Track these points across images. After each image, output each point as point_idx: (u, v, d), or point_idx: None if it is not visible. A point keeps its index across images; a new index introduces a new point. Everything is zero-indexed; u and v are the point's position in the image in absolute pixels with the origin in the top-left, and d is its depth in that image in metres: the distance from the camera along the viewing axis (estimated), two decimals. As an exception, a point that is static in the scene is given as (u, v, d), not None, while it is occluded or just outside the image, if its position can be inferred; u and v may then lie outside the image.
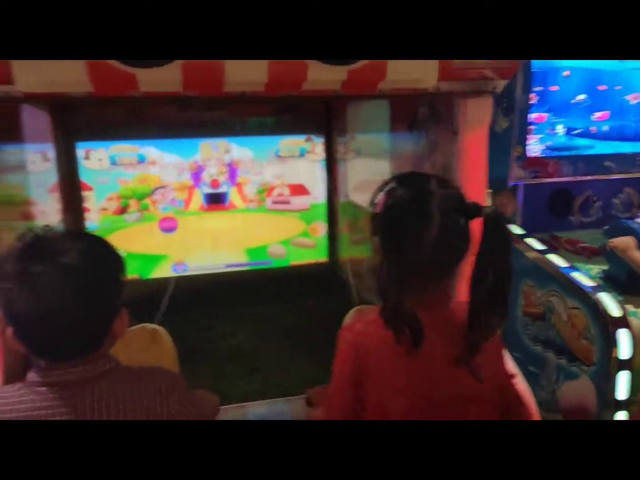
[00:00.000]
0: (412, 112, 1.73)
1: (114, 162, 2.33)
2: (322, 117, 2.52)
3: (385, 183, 1.01)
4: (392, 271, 0.94)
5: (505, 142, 2.07)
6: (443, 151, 1.56)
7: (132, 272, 2.44)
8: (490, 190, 1.67)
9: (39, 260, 0.80)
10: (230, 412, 1.62)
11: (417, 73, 1.14)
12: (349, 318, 1.89)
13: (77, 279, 0.81)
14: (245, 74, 1.04)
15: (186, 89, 1.11)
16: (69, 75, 0.97)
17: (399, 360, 0.95)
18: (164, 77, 1.04)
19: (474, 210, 0.95)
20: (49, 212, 2.14)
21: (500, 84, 1.29)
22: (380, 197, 0.98)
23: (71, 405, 0.82)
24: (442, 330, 0.97)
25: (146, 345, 1.41)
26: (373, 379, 0.98)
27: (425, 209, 0.92)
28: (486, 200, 1.49)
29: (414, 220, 0.93)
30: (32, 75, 0.98)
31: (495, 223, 0.94)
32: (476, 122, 1.37)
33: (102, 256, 0.87)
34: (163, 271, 2.48)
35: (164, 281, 2.47)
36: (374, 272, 0.97)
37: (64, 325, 0.81)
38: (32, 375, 0.84)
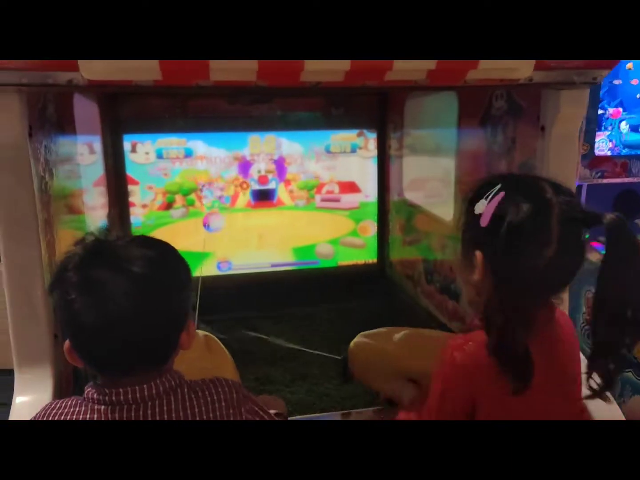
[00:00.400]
0: (484, 106, 1.60)
1: (160, 156, 2.26)
2: (375, 111, 2.41)
3: (484, 187, 0.89)
4: (503, 295, 0.83)
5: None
6: (522, 148, 1.43)
7: (176, 270, 2.36)
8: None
9: (105, 268, 0.73)
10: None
11: (514, 62, 1.02)
12: (355, 344, 1.73)
13: (146, 289, 0.73)
14: (328, 62, 0.94)
15: (260, 79, 1.01)
16: (139, 62, 0.88)
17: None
18: (239, 65, 0.94)
19: (594, 218, 0.83)
20: (94, 206, 2.08)
21: (602, 74, 1.15)
22: (486, 206, 0.86)
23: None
24: (551, 353, 0.86)
25: (202, 353, 1.33)
26: (485, 407, 0.88)
27: (544, 222, 0.80)
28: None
29: (533, 236, 0.80)
30: (98, 61, 0.89)
31: (620, 232, 0.81)
32: (570, 116, 1.24)
33: (170, 264, 0.79)
34: (207, 269, 2.40)
35: (208, 279, 2.40)
36: (476, 295, 0.86)
37: (130, 338, 0.73)
38: (90, 392, 0.77)
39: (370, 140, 2.43)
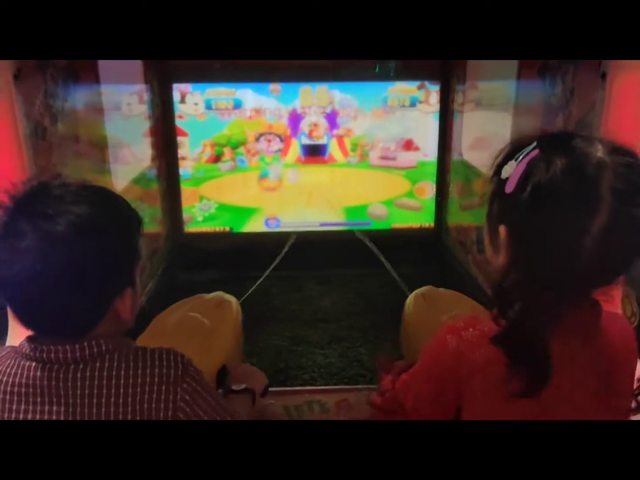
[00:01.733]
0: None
1: (209, 107, 2.21)
2: (438, 61, 2.18)
3: (517, 148, 0.71)
4: (529, 281, 0.66)
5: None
6: (580, 101, 1.20)
7: (223, 224, 2.35)
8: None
9: (27, 219, 0.67)
10: (290, 399, 1.45)
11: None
12: (410, 302, 1.63)
13: (59, 250, 0.66)
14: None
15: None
16: None
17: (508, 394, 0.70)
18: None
19: None
20: (142, 157, 2.08)
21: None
22: (515, 168, 0.69)
23: (59, 387, 0.70)
24: (585, 362, 0.70)
25: (208, 308, 1.29)
26: (476, 402, 0.75)
27: (590, 185, 0.62)
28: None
29: (573, 205, 0.63)
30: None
31: None
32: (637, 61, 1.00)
33: (104, 227, 0.71)
34: (255, 225, 2.36)
35: (256, 235, 2.36)
36: (497, 279, 0.70)
37: (41, 301, 0.68)
38: (23, 344, 0.73)
39: (432, 94, 2.22)
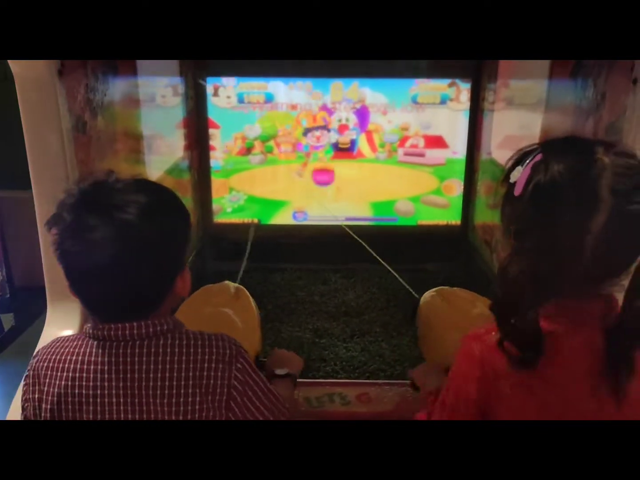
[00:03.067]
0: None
1: (241, 100, 2.25)
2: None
3: (526, 154, 0.76)
4: (534, 278, 0.71)
5: None
6: (611, 105, 1.20)
7: (252, 216, 2.39)
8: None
9: (95, 212, 0.73)
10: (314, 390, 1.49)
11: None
12: (425, 302, 1.63)
13: (133, 236, 0.73)
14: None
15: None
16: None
17: (535, 389, 0.75)
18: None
19: None
20: (175, 148, 2.14)
21: None
22: (521, 173, 0.73)
23: (125, 362, 0.76)
24: (592, 350, 0.73)
25: (229, 300, 1.35)
26: (501, 406, 0.78)
27: (589, 184, 0.66)
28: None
29: (574, 205, 0.67)
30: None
31: None
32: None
33: (164, 212, 0.78)
34: (283, 218, 2.40)
35: (284, 228, 2.40)
36: (505, 275, 0.74)
37: (115, 284, 0.75)
38: (87, 327, 0.80)
39: (463, 91, 2.21)
